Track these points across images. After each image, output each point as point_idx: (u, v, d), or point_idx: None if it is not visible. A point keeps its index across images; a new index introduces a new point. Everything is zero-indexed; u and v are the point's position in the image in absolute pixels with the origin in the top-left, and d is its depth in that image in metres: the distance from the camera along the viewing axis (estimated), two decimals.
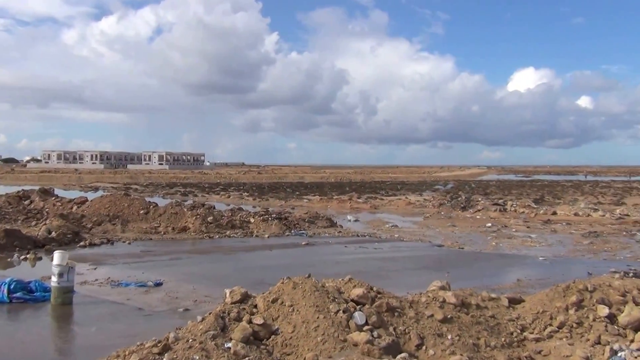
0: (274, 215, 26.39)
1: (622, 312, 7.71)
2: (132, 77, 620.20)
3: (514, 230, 25.51)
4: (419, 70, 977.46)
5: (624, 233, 24.32)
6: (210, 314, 7.11)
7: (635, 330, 7.40)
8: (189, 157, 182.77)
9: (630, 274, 14.76)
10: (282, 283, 7.61)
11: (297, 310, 7.04)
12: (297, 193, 51.78)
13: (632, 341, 7.22)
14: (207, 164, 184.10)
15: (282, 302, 7.25)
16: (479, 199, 38.02)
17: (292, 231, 23.77)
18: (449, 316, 7.36)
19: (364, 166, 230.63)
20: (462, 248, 20.37)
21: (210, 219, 23.72)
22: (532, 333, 7.60)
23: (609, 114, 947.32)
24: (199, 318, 7.11)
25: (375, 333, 6.73)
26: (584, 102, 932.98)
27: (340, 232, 24.46)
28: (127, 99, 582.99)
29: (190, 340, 6.35)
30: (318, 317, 6.84)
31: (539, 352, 7.16)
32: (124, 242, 19.91)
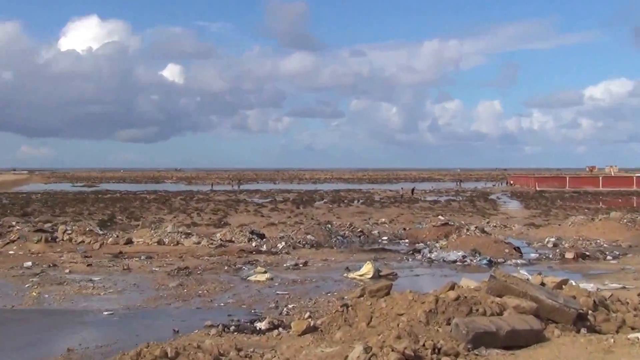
0: None
1: None
2: None
3: (67, 271, 20.28)
4: None
5: (226, 267, 20.65)
6: None
7: None
8: None
9: (232, 327, 12.11)
10: None
11: None
12: None
13: None
14: None
15: None
16: (14, 224, 31.46)
17: None
18: None
19: None
20: None
21: None
22: None
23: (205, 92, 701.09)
24: None
25: None
26: (171, 72, 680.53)
27: None
28: None
29: None
30: None
31: None
32: None
